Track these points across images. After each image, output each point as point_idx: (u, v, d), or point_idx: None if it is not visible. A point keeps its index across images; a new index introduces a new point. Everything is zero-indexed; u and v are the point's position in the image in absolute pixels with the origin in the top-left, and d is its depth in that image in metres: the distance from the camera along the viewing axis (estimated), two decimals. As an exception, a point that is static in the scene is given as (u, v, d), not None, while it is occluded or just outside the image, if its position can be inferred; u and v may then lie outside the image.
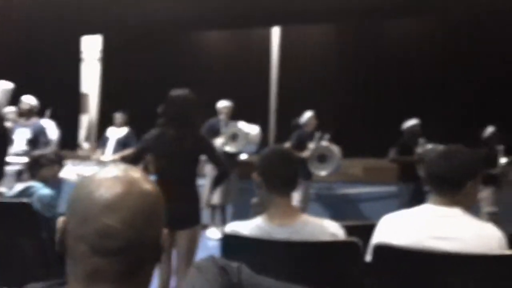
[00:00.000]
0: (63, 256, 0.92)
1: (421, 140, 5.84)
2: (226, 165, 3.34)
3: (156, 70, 8.77)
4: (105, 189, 0.90)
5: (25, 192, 3.11)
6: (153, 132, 3.20)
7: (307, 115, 6.26)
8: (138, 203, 0.91)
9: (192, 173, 3.21)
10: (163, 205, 0.98)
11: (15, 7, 8.17)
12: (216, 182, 3.42)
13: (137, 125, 6.81)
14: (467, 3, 7.29)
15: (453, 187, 1.86)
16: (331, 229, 1.93)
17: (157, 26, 8.67)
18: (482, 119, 6.05)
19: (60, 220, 0.93)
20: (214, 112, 6.44)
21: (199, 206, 3.24)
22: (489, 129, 5.80)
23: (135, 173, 0.97)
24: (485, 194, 5.51)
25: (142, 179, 0.96)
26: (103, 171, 0.97)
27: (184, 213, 2.95)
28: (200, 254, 3.21)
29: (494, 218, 5.03)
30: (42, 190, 3.09)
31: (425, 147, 5.63)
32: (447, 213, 1.82)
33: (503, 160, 5.59)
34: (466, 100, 7.37)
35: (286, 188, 1.97)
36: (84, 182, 0.94)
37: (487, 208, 5.41)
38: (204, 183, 4.06)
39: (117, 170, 0.96)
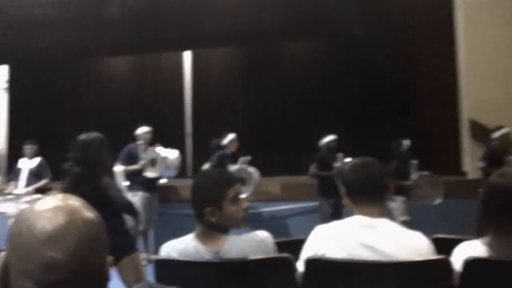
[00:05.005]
0: None
1: (339, 155, 6.05)
2: (120, 205, 3.37)
3: (65, 98, 8.45)
4: (47, 221, 0.88)
5: None
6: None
7: (229, 137, 6.31)
8: (81, 233, 0.89)
9: (105, 209, 3.24)
10: (105, 233, 0.96)
11: None
12: None
13: (48, 154, 6.54)
14: (362, 23, 7.69)
15: (378, 197, 1.95)
16: (260, 236, 1.97)
17: (63, 54, 8.34)
18: (394, 135, 6.32)
19: (1, 256, 0.89)
20: (130, 138, 6.28)
21: (126, 235, 3.42)
22: (405, 143, 6.10)
23: (75, 201, 0.95)
24: (396, 204, 5.81)
25: (82, 207, 0.94)
26: (41, 202, 0.94)
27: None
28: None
29: (407, 226, 5.28)
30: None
31: (343, 161, 5.84)
32: (377, 224, 1.88)
33: (414, 174, 5.92)
34: (379, 116, 7.74)
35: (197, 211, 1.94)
36: (23, 215, 0.90)
37: (399, 217, 5.68)
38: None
39: (56, 200, 0.93)
